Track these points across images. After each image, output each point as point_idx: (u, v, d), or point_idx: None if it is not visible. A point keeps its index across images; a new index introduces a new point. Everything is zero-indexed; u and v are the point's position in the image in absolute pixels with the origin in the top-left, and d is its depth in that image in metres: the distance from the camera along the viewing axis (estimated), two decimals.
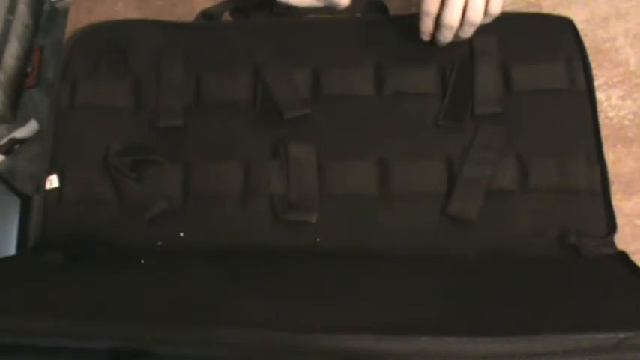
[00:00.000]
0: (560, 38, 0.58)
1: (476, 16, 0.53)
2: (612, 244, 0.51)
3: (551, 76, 0.56)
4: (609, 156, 0.54)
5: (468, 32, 0.55)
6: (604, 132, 0.55)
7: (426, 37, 0.57)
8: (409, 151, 0.55)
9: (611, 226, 0.52)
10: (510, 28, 0.58)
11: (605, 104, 0.58)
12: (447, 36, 0.55)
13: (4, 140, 0.62)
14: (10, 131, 0.64)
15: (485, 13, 0.54)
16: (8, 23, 0.63)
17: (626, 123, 0.57)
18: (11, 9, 0.63)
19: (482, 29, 0.56)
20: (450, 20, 0.53)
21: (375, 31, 0.60)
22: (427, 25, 0.56)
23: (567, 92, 0.56)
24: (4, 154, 0.62)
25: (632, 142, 0.56)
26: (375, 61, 0.58)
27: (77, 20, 0.66)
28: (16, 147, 0.62)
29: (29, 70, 0.66)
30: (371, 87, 0.57)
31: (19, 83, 0.65)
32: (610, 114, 0.57)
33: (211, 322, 0.37)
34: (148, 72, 0.60)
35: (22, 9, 0.64)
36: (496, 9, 0.54)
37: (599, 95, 0.57)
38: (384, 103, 0.57)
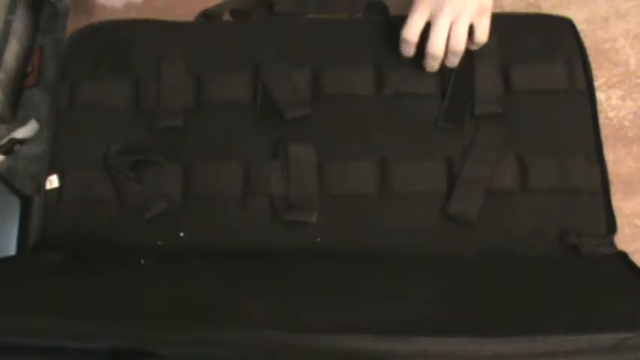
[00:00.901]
0: (560, 38, 0.58)
1: (458, 45, 0.54)
2: (612, 244, 0.51)
3: (551, 77, 0.56)
4: (609, 156, 0.54)
5: (453, 61, 0.56)
6: (604, 132, 0.55)
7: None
8: (409, 151, 0.55)
9: (611, 226, 0.52)
10: (510, 29, 0.58)
11: (605, 104, 0.58)
12: (432, 65, 0.56)
13: (4, 140, 0.62)
14: (10, 131, 0.64)
15: (472, 41, 0.54)
16: (8, 23, 0.63)
17: (626, 123, 0.57)
18: (11, 9, 0.63)
19: None
20: (435, 50, 0.54)
21: (375, 31, 0.60)
22: (408, 52, 0.56)
23: (567, 92, 0.56)
24: (4, 154, 0.62)
25: (632, 142, 0.56)
26: (375, 61, 0.58)
27: (77, 20, 0.66)
28: (16, 147, 0.62)
29: (29, 70, 0.66)
30: (371, 87, 0.57)
31: (19, 83, 0.65)
32: (610, 114, 0.57)
33: (211, 322, 0.37)
34: (148, 72, 0.60)
35: (22, 9, 0.64)
36: (482, 37, 0.55)
37: (599, 95, 0.57)
38: (384, 103, 0.57)
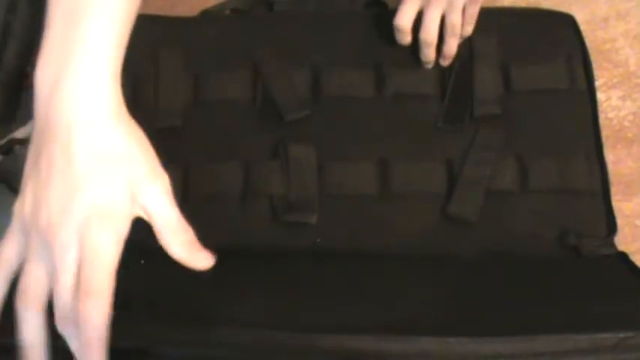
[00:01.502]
0: (561, 35, 0.58)
1: (454, 29, 0.54)
2: (612, 245, 0.51)
3: (552, 76, 0.56)
4: (609, 156, 0.54)
5: (452, 44, 0.55)
6: (604, 132, 0.55)
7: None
8: (409, 151, 0.55)
9: (612, 227, 0.52)
10: (511, 25, 0.58)
11: (605, 105, 0.58)
12: (428, 54, 0.56)
13: (4, 140, 0.61)
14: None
15: (462, 22, 0.54)
16: (8, 23, 0.63)
17: (626, 124, 0.57)
18: (11, 9, 0.63)
19: (482, 28, 0.56)
20: (427, 37, 0.54)
21: (375, 31, 0.59)
22: (403, 40, 0.56)
23: (567, 92, 0.56)
24: (4, 154, 0.62)
25: (632, 142, 0.56)
26: (375, 62, 0.58)
27: None
28: (16, 147, 0.62)
29: (29, 70, 0.66)
30: (371, 87, 0.57)
31: (19, 83, 0.65)
32: (610, 114, 0.57)
33: (211, 322, 0.37)
34: (146, 70, 0.60)
35: (22, 9, 0.64)
36: (471, 21, 0.55)
37: (599, 96, 0.57)
38: (384, 103, 0.57)
